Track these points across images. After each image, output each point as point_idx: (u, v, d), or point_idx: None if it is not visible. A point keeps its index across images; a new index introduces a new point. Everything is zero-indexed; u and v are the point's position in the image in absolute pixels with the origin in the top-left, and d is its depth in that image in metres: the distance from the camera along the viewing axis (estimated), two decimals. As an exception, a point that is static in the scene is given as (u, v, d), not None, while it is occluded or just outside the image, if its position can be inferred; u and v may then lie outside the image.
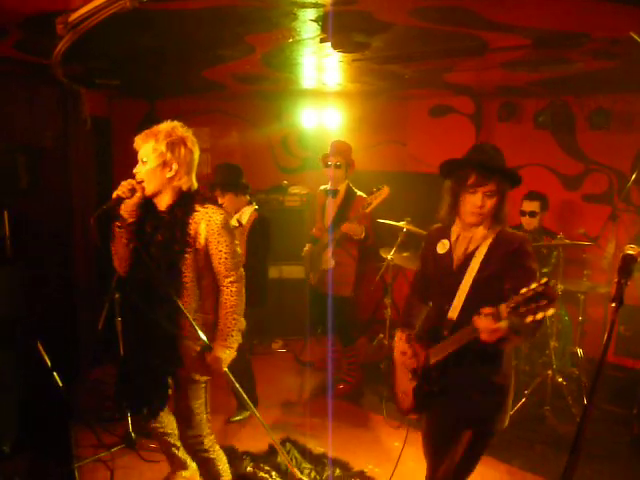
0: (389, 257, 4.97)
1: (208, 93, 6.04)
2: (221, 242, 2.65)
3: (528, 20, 2.81)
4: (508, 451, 4.04)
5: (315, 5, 2.60)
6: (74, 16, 2.71)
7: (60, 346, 4.11)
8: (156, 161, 2.61)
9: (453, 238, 2.59)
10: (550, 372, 4.49)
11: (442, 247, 2.61)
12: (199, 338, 2.66)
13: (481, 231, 2.49)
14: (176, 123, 2.71)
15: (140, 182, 2.62)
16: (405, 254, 5.16)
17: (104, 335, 4.06)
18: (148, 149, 2.62)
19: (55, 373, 3.88)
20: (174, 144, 2.62)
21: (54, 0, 2.55)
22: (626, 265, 1.80)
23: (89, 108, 5.33)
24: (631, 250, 1.83)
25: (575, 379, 4.69)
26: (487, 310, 2.13)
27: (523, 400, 4.42)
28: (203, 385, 2.83)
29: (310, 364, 5.50)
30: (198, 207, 2.67)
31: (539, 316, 1.98)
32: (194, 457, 3.00)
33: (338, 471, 3.85)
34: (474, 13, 2.67)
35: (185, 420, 2.86)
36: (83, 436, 4.11)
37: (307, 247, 4.99)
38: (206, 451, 2.92)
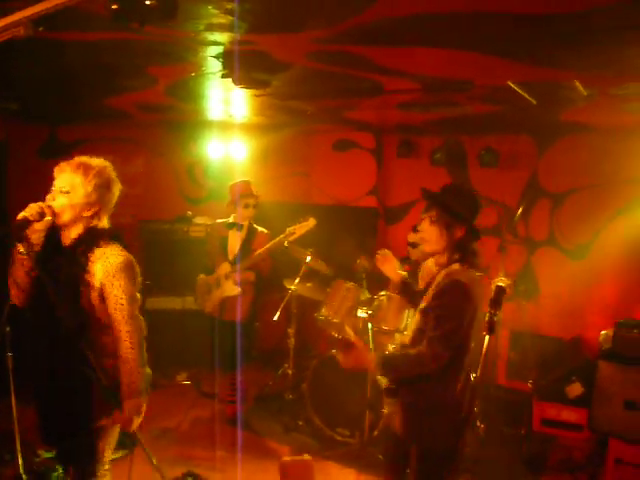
0: (292, 287, 5.05)
1: (113, 120, 5.95)
2: (116, 285, 2.47)
3: (416, 67, 3.03)
4: (406, 475, 4.16)
5: (214, 43, 2.68)
6: (-35, 41, 2.64)
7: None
8: (80, 199, 2.47)
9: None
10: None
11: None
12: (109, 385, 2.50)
13: (433, 266, 2.71)
14: (107, 163, 2.61)
15: (50, 207, 2.45)
16: (309, 284, 5.26)
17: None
18: (74, 182, 2.47)
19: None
20: (102, 187, 2.51)
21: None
22: (497, 296, 1.94)
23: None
24: (501, 282, 1.98)
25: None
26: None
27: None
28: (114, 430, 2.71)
29: (213, 396, 5.44)
30: (101, 244, 2.52)
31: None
32: None
33: (240, 504, 3.83)
34: (366, 58, 2.84)
35: (83, 464, 2.71)
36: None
37: (201, 277, 5.07)
38: None
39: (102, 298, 2.50)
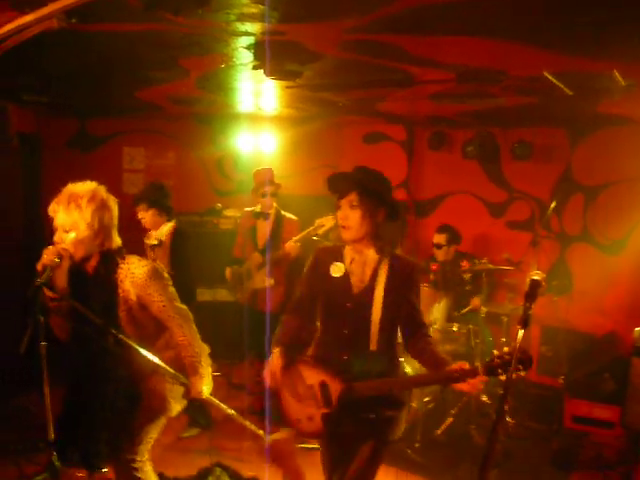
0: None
1: (143, 113, 6.01)
2: (151, 292, 2.59)
3: (450, 57, 2.97)
4: (435, 469, 4.13)
5: (246, 34, 2.67)
6: (-1, 32, 2.67)
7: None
8: (85, 232, 2.48)
9: (347, 261, 2.49)
10: (475, 392, 4.63)
11: (337, 270, 2.48)
12: (171, 377, 2.67)
13: (372, 254, 2.45)
14: (94, 184, 2.58)
15: (64, 249, 2.47)
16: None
17: (27, 360, 3.92)
18: (72, 218, 2.47)
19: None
20: (99, 210, 2.51)
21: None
22: (532, 289, 1.91)
23: (16, 124, 5.20)
24: (536, 275, 1.94)
25: (498, 398, 4.84)
26: (465, 367, 2.14)
27: (449, 420, 4.54)
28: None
29: (242, 387, 5.46)
30: (120, 263, 2.59)
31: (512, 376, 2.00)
32: (122, 474, 2.92)
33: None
34: (399, 48, 2.81)
35: (130, 447, 2.79)
36: (3, 467, 3.92)
37: (231, 269, 5.04)
38: (136, 470, 2.82)
39: (143, 307, 2.62)
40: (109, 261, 2.59)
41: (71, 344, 2.72)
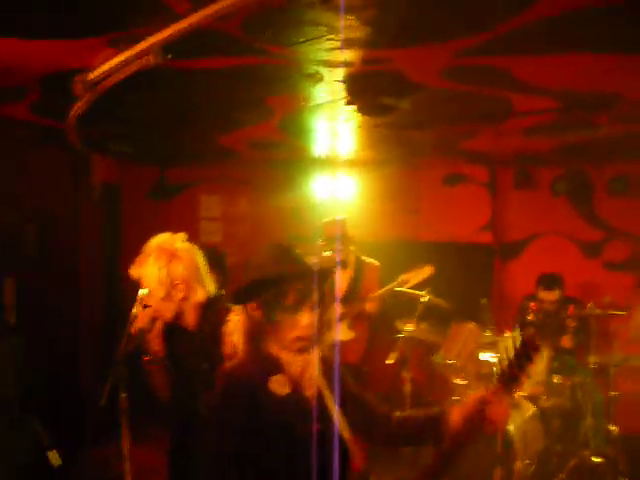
0: (408, 328, 4.71)
1: (219, 160, 6.01)
2: None
3: (561, 80, 2.75)
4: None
5: (344, 64, 2.53)
6: (94, 74, 2.64)
7: (62, 423, 3.85)
8: (159, 290, 2.34)
9: (292, 367, 1.83)
10: (587, 452, 4.16)
11: (280, 386, 1.79)
12: None
13: None
14: (163, 237, 2.43)
15: (156, 310, 2.38)
16: (422, 326, 4.93)
17: (107, 412, 3.81)
18: (145, 278, 2.37)
19: (52, 452, 3.59)
20: (169, 265, 2.35)
21: (76, 57, 2.49)
22: None
23: (100, 175, 5.26)
24: None
25: (612, 459, 4.36)
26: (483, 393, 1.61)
27: (558, 484, 4.10)
28: None
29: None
30: (228, 315, 2.26)
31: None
32: None
33: None
34: (505, 71, 2.60)
35: None
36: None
37: None
38: None
39: None
40: (212, 315, 2.38)
41: (172, 404, 2.56)
